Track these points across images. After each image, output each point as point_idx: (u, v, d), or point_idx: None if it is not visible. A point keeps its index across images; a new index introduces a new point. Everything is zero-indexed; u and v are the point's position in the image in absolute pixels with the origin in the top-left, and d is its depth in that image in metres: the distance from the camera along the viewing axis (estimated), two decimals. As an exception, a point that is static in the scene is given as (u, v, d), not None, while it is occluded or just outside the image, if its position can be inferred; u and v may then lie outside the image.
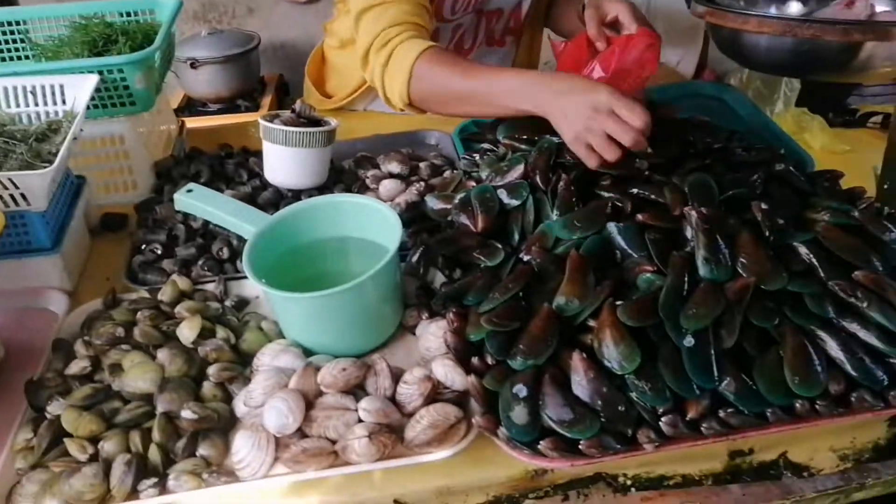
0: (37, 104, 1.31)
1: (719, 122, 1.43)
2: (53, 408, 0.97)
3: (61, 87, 1.30)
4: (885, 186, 1.08)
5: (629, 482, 1.00)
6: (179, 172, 1.42)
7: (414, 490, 0.94)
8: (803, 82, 1.72)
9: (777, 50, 1.27)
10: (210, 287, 1.19)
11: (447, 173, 1.40)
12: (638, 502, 1.02)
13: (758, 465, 1.01)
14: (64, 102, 1.31)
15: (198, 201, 1.16)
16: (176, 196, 1.18)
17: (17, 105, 1.31)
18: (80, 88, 1.29)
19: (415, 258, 1.18)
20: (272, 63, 3.11)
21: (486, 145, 1.41)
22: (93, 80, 1.29)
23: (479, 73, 1.31)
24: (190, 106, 2.79)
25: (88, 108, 1.30)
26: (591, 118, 1.12)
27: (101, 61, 1.33)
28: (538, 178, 1.15)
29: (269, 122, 1.30)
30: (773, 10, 1.49)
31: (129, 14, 1.55)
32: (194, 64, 2.57)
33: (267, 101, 2.72)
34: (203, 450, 0.94)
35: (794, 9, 1.47)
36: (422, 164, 1.42)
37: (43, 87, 1.31)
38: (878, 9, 1.36)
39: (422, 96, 1.37)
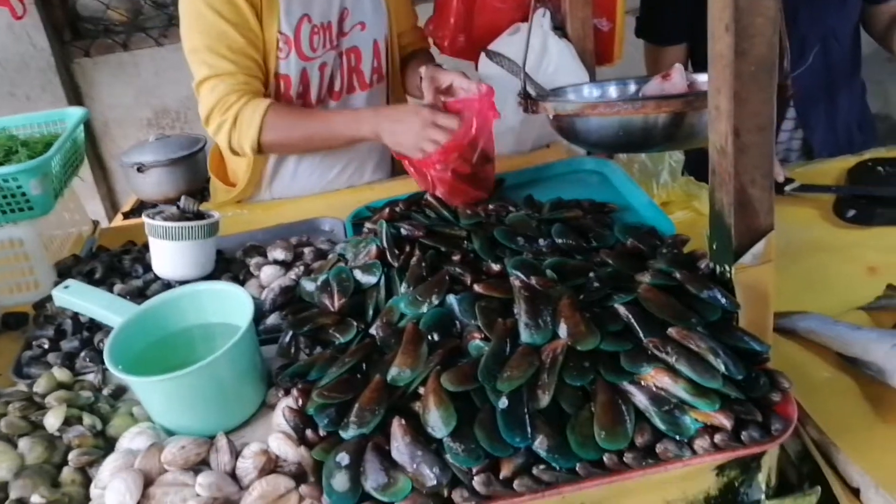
0: (-61, 215, 1.41)
1: (597, 195, 1.54)
2: (-89, 498, 1.02)
3: (-39, 197, 1.40)
4: (714, 246, 1.15)
5: (468, 546, 1.03)
6: (78, 271, 1.50)
7: (253, 562, 0.98)
8: (686, 152, 1.81)
9: (606, 130, 1.36)
10: (90, 377, 1.25)
11: (330, 258, 1.47)
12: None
13: (593, 522, 1.04)
14: (-36, 212, 1.40)
15: (72, 297, 1.23)
16: (53, 293, 1.25)
17: (-77, 215, 1.41)
18: (-24, 197, 1.39)
19: (286, 340, 1.25)
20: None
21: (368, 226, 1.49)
22: (-13, 188, 1.39)
23: (319, 114, 1.76)
24: (142, 208, 2.90)
25: (-12, 214, 1.39)
26: (423, 127, 1.52)
27: (-6, 171, 1.43)
28: (388, 256, 1.23)
29: (151, 218, 1.39)
30: (594, 96, 1.63)
31: (39, 126, 1.67)
32: (141, 168, 2.69)
33: (215, 199, 2.83)
34: (50, 533, 0.98)
35: (614, 92, 1.59)
36: (306, 250, 1.50)
37: (-56, 199, 1.41)
38: (703, 78, 1.46)
39: (272, 141, 1.74)
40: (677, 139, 1.30)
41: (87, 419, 1.14)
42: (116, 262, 1.53)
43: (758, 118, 1.00)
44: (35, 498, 0.99)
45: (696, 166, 1.85)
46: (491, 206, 1.47)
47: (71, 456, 1.07)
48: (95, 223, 1.82)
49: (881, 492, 1.02)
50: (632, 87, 1.58)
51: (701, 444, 0.95)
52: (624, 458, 0.94)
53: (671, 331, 1.04)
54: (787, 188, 1.77)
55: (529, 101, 1.49)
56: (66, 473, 1.06)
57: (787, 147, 2.26)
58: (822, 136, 2.18)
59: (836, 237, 1.65)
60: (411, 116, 1.56)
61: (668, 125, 1.27)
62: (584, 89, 1.70)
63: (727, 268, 1.10)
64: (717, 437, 0.95)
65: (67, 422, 1.13)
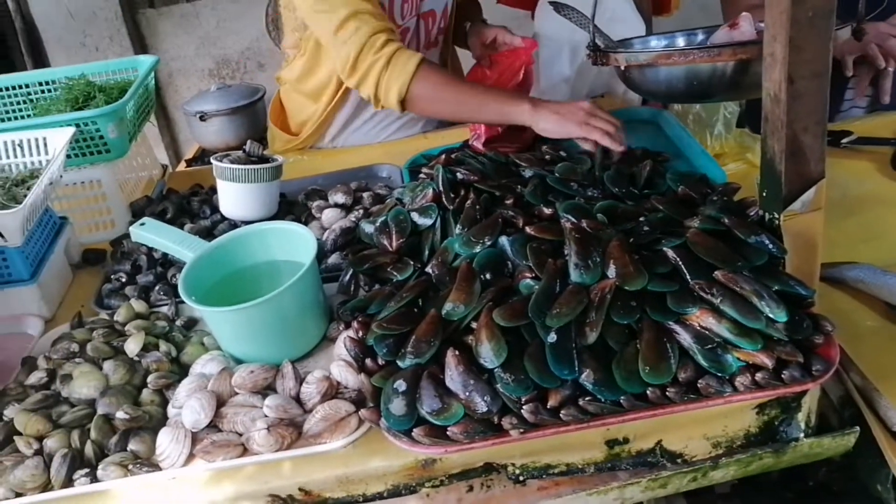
0: (24, 155, 1.50)
1: (650, 144, 1.56)
2: (9, 412, 1.12)
3: (44, 139, 1.49)
4: (764, 194, 1.16)
5: (518, 471, 1.09)
6: (151, 211, 1.58)
7: (317, 478, 1.06)
8: (745, 103, 1.80)
9: (678, 79, 1.36)
10: (164, 309, 1.34)
11: (388, 201, 1.53)
12: (535, 492, 1.12)
13: (636, 454, 1.09)
14: (47, 153, 1.49)
15: (148, 233, 1.31)
16: (131, 229, 1.33)
17: (7, 157, 1.50)
18: (59, 140, 1.47)
19: (346, 278, 1.31)
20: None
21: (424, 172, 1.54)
22: (69, 131, 1.47)
23: (474, 84, 1.64)
24: (204, 156, 2.99)
25: (69, 156, 1.48)
26: (587, 113, 1.46)
27: (76, 115, 1.52)
28: (444, 200, 1.28)
29: (219, 161, 1.46)
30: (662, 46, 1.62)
31: (113, 73, 1.75)
32: (203, 117, 2.76)
33: (274, 147, 2.91)
34: (133, 445, 1.08)
35: (681, 43, 1.58)
36: (365, 195, 1.55)
37: (28, 141, 1.50)
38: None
39: (420, 93, 1.58)
40: (744, 87, 1.30)
41: (163, 346, 1.22)
42: (185, 204, 1.62)
43: (813, 65, 1.00)
44: (120, 414, 1.09)
45: (752, 118, 1.85)
46: (546, 150, 1.51)
47: (150, 378, 1.16)
48: (165, 167, 1.91)
49: (921, 435, 1.04)
50: (699, 38, 1.56)
51: (742, 381, 0.99)
52: (667, 393, 0.99)
53: (717, 274, 1.06)
54: (844, 141, 1.76)
55: (598, 53, 1.48)
56: (146, 394, 1.16)
57: (852, 105, 2.21)
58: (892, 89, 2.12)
59: (893, 190, 1.64)
60: (573, 107, 1.50)
61: (737, 73, 1.27)
62: (652, 41, 1.69)
63: (776, 215, 1.12)
64: (759, 376, 0.99)
65: (145, 348, 1.22)
